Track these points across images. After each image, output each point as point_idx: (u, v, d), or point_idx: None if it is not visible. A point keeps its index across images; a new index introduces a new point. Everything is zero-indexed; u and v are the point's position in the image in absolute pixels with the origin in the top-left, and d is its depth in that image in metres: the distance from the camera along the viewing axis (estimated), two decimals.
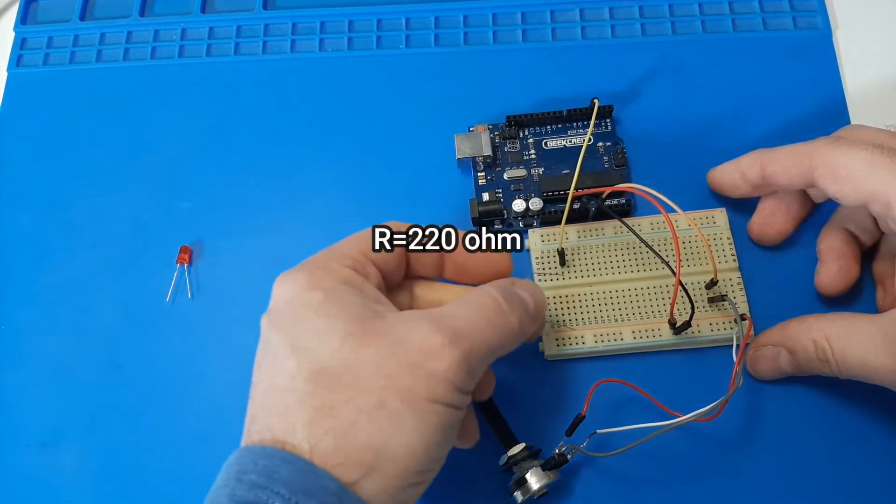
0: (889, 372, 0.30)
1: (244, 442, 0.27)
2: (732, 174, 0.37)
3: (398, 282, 0.32)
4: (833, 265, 0.36)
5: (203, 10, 0.47)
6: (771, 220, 0.37)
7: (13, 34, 0.48)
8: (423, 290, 0.33)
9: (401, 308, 0.30)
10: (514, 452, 0.33)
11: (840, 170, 0.32)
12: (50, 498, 0.37)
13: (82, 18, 0.48)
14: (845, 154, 0.32)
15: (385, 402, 0.26)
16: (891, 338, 0.30)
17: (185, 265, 0.41)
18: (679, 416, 0.32)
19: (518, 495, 0.33)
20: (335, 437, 0.26)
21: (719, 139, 0.41)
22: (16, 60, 0.47)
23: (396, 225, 0.31)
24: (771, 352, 0.34)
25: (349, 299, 0.28)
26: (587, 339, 0.36)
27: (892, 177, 0.30)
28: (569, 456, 0.33)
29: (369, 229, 0.31)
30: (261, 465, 0.25)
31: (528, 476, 0.32)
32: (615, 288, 0.37)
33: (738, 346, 0.34)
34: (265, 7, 0.47)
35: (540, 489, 0.32)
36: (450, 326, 0.27)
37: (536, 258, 0.38)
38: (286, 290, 0.29)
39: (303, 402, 0.26)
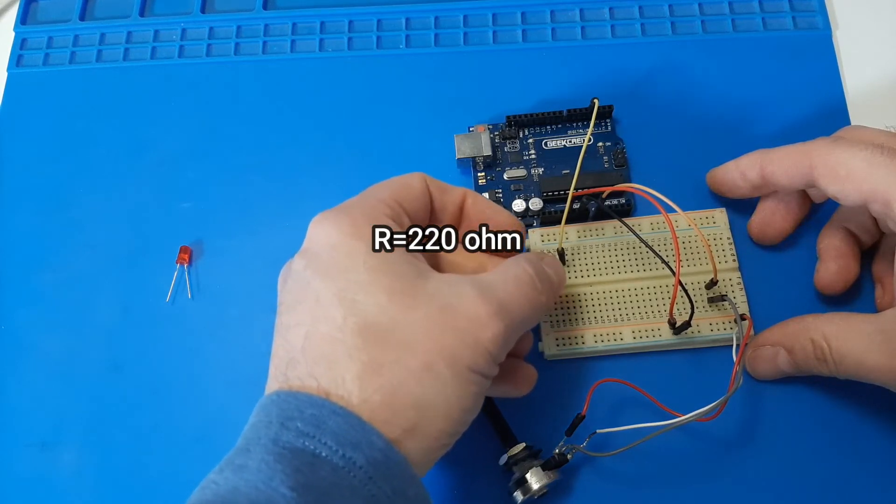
0: (886, 371, 0.30)
1: (278, 385, 0.27)
2: (732, 174, 0.37)
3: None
4: (833, 264, 0.36)
5: (203, 10, 0.47)
6: (771, 219, 0.37)
7: (13, 34, 0.48)
8: (454, 254, 0.33)
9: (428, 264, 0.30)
10: (514, 452, 0.33)
11: (840, 169, 0.32)
12: (50, 498, 0.37)
13: (82, 18, 0.48)
14: (845, 154, 0.32)
15: (432, 366, 0.26)
16: (888, 337, 0.30)
17: (185, 265, 0.41)
18: (679, 416, 0.32)
19: (518, 495, 0.33)
20: (383, 395, 0.26)
21: (719, 139, 0.41)
22: (16, 60, 0.47)
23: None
24: (769, 352, 0.34)
25: (395, 255, 0.28)
26: (587, 338, 0.36)
27: (892, 176, 0.30)
28: (569, 456, 0.33)
29: (397, 177, 0.31)
30: (308, 413, 0.25)
31: (528, 476, 0.32)
32: (615, 288, 0.37)
33: (738, 346, 0.34)
34: (265, 7, 0.47)
35: (540, 489, 0.32)
36: (496, 297, 0.28)
37: None
38: (327, 233, 0.28)
39: (352, 355, 0.26)
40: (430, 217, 0.32)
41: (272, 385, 0.28)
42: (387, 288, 0.27)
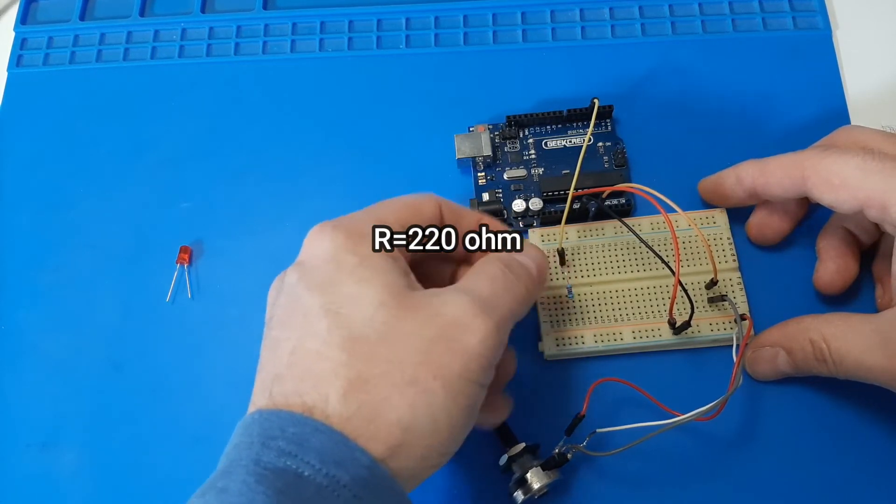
0: (885, 372, 0.30)
1: (263, 402, 0.27)
2: (723, 185, 0.37)
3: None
4: (832, 264, 0.36)
5: (203, 10, 0.47)
6: (769, 220, 0.37)
7: (13, 34, 0.48)
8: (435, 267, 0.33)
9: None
10: (514, 452, 0.33)
11: (833, 178, 0.32)
12: (50, 498, 0.37)
13: (82, 18, 0.48)
14: (837, 162, 0.32)
15: (418, 379, 0.26)
16: (887, 338, 0.30)
17: (185, 265, 0.41)
18: (678, 416, 0.32)
19: (518, 495, 0.33)
20: (368, 411, 0.25)
21: (719, 139, 0.41)
22: (16, 60, 0.47)
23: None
24: (769, 352, 0.34)
25: (384, 267, 0.28)
26: (587, 338, 0.36)
27: (886, 181, 0.30)
28: (569, 455, 0.33)
29: (408, 196, 0.31)
30: (290, 431, 0.25)
31: (528, 476, 0.32)
32: (615, 288, 0.37)
33: (738, 345, 0.34)
34: (265, 7, 0.47)
35: (540, 489, 0.32)
36: (476, 297, 0.28)
37: None
38: (321, 247, 0.28)
39: (337, 371, 0.26)
40: (427, 260, 0.32)
41: (257, 401, 0.27)
42: (373, 300, 0.27)
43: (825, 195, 0.32)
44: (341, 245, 0.28)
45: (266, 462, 0.24)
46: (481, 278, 0.29)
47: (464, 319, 0.27)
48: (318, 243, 0.28)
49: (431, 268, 0.33)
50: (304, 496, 0.24)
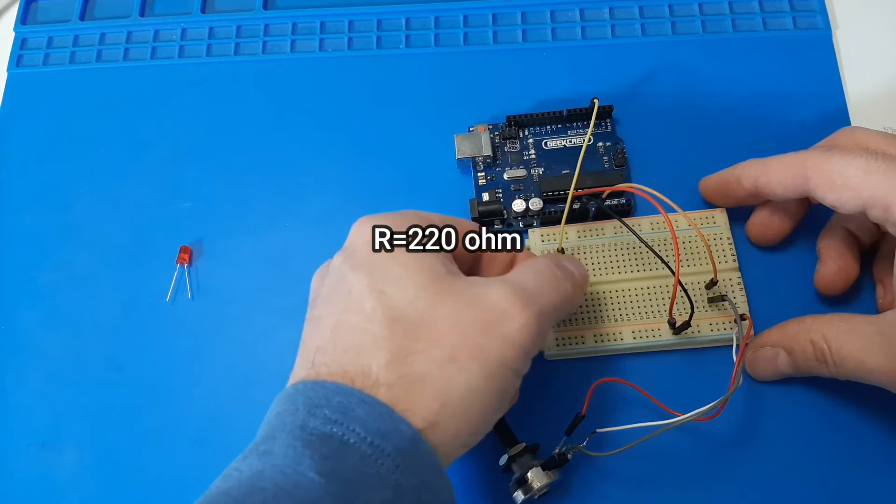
0: (886, 373, 0.30)
1: (305, 373, 0.27)
2: (725, 184, 0.37)
3: (464, 270, 0.32)
4: (833, 264, 0.36)
5: (203, 10, 0.47)
6: (769, 221, 0.37)
7: (13, 34, 0.48)
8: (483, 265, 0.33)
9: None
10: (514, 452, 0.33)
11: (836, 178, 0.32)
12: (50, 498, 0.37)
13: (82, 18, 0.48)
14: (840, 162, 0.32)
15: (457, 357, 0.26)
16: (888, 339, 0.30)
17: (185, 265, 0.41)
18: (678, 416, 0.32)
19: (519, 495, 0.33)
20: (407, 383, 0.26)
21: (719, 139, 0.41)
22: (16, 60, 0.47)
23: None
24: (769, 353, 0.34)
25: (426, 253, 0.29)
26: (587, 339, 0.36)
27: (889, 181, 0.30)
28: (569, 455, 0.33)
29: (449, 216, 0.32)
30: (335, 401, 0.25)
31: (528, 475, 0.32)
32: (615, 288, 0.37)
33: (738, 346, 0.34)
34: (265, 7, 0.47)
35: (540, 488, 0.32)
36: (521, 288, 0.28)
37: None
38: (366, 232, 0.29)
39: (379, 345, 0.27)
40: (478, 262, 0.33)
41: (298, 373, 0.28)
42: (416, 283, 0.28)
43: (828, 195, 0.32)
44: (384, 230, 0.29)
45: (312, 428, 0.25)
46: (528, 272, 0.30)
47: (504, 307, 0.28)
48: (363, 230, 0.30)
49: (482, 272, 0.33)
50: (348, 462, 0.24)
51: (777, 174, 0.34)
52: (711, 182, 0.38)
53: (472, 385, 0.27)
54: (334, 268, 0.30)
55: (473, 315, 0.27)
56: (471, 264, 0.33)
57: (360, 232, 0.30)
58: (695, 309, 0.35)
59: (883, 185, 0.31)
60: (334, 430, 0.25)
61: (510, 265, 0.33)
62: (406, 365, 0.26)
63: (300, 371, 0.28)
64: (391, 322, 0.27)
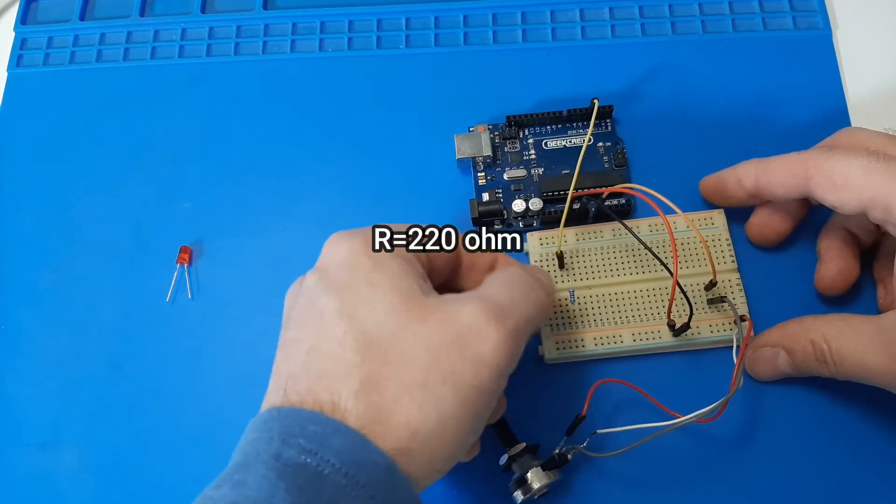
0: (885, 373, 0.30)
1: (278, 400, 0.27)
2: (725, 185, 0.37)
3: (441, 281, 0.32)
4: (833, 265, 0.36)
5: (203, 10, 0.47)
6: (769, 221, 0.37)
7: (13, 34, 0.48)
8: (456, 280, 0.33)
9: None
10: (514, 452, 0.33)
11: (837, 179, 0.32)
12: (50, 498, 0.37)
13: (82, 18, 0.48)
14: (840, 163, 0.32)
15: (428, 382, 0.26)
16: (888, 339, 0.30)
17: (185, 265, 0.41)
18: (679, 417, 0.32)
19: (518, 495, 0.33)
20: (376, 412, 0.26)
21: (719, 139, 0.41)
22: (16, 60, 0.47)
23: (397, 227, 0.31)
24: (769, 353, 0.34)
25: (397, 272, 0.28)
26: (587, 342, 0.36)
27: (890, 182, 0.30)
28: (569, 456, 0.33)
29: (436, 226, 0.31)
30: (310, 430, 0.25)
31: (528, 475, 0.32)
32: (614, 290, 0.37)
33: (738, 347, 0.34)
34: (265, 7, 0.47)
35: (540, 489, 0.32)
36: (494, 303, 0.28)
37: (534, 261, 0.38)
38: (338, 251, 0.29)
39: (351, 372, 0.26)
40: (456, 272, 0.32)
41: (271, 399, 0.27)
42: (387, 304, 0.27)
43: (828, 195, 0.32)
44: (357, 250, 0.28)
45: (287, 458, 0.25)
46: (499, 283, 0.29)
47: (477, 326, 0.27)
48: (336, 249, 0.29)
49: (460, 281, 0.33)
50: (323, 494, 0.24)
51: (777, 174, 0.34)
52: (711, 182, 0.38)
53: (445, 411, 0.26)
54: (307, 288, 0.29)
55: (444, 336, 0.27)
56: (449, 275, 0.32)
57: (333, 251, 0.29)
58: (694, 310, 0.35)
59: (884, 185, 0.31)
60: (309, 460, 0.24)
61: (490, 271, 0.32)
62: (376, 392, 0.26)
63: (273, 397, 0.27)
64: (362, 347, 0.26)
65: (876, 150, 0.32)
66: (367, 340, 0.26)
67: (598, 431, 0.33)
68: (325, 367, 0.26)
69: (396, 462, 0.25)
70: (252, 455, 0.25)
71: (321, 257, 0.30)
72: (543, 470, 0.32)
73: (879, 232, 0.36)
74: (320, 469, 0.24)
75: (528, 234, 0.39)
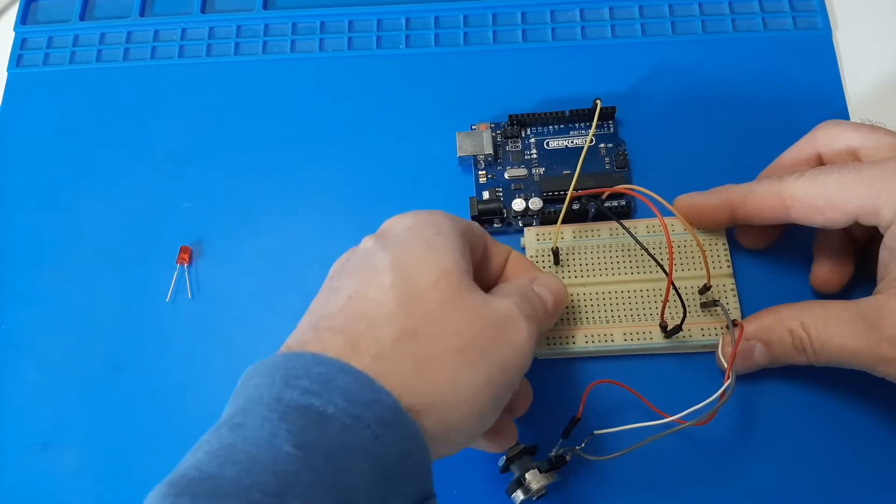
0: (868, 355, 0.30)
1: (295, 341, 0.27)
2: (700, 211, 0.36)
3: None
4: (828, 263, 0.36)
5: (203, 10, 0.47)
6: (758, 228, 0.37)
7: (13, 34, 0.48)
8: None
9: None
10: (512, 453, 0.33)
11: (818, 202, 0.32)
12: (50, 498, 0.37)
13: (82, 18, 0.48)
14: (815, 185, 0.32)
15: (466, 349, 0.27)
16: (868, 322, 0.30)
17: (185, 265, 0.41)
18: (679, 422, 0.31)
19: (518, 495, 0.33)
20: (411, 363, 0.26)
21: (719, 139, 0.41)
22: (16, 60, 0.47)
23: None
24: (745, 346, 0.34)
25: (456, 245, 0.29)
26: (578, 339, 0.36)
27: (869, 188, 0.31)
28: (567, 457, 0.33)
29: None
30: (314, 371, 0.25)
31: (527, 476, 0.32)
32: (608, 289, 0.37)
33: (724, 350, 0.33)
34: (265, 7, 0.47)
35: (539, 489, 0.32)
36: (528, 303, 0.30)
37: (531, 256, 0.38)
38: (403, 219, 0.30)
39: (392, 320, 0.27)
40: (483, 262, 0.33)
41: (289, 343, 0.28)
42: (441, 268, 0.28)
43: (815, 219, 0.32)
44: (423, 218, 0.30)
45: (289, 400, 0.24)
46: (518, 294, 0.30)
47: (513, 317, 0.28)
48: (401, 217, 0.30)
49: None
50: (328, 434, 0.24)
51: (756, 209, 0.34)
52: (684, 204, 0.37)
53: (475, 381, 0.27)
54: (362, 248, 0.29)
55: (486, 316, 0.28)
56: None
57: (398, 219, 0.30)
58: (687, 313, 0.34)
59: (864, 193, 0.31)
60: (313, 401, 0.24)
61: (503, 268, 0.33)
62: (416, 344, 0.26)
63: (302, 335, 0.27)
64: (409, 301, 0.27)
65: (843, 161, 0.32)
66: (414, 297, 0.27)
67: (596, 433, 0.33)
68: (367, 311, 0.27)
69: (418, 416, 0.25)
70: (253, 398, 0.25)
71: (383, 225, 0.31)
72: (541, 471, 0.32)
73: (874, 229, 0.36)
74: (324, 409, 0.24)
75: (526, 229, 0.39)
